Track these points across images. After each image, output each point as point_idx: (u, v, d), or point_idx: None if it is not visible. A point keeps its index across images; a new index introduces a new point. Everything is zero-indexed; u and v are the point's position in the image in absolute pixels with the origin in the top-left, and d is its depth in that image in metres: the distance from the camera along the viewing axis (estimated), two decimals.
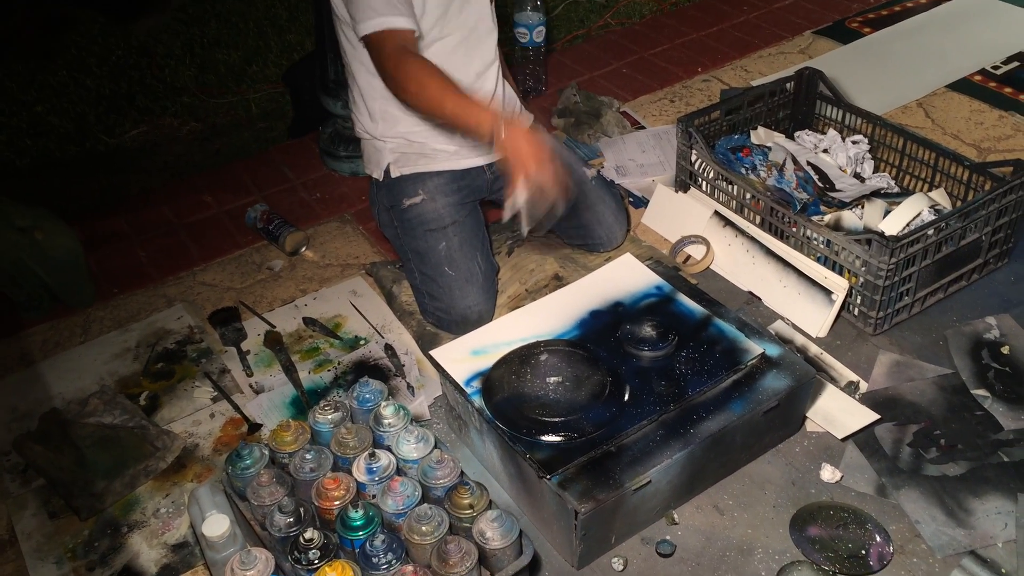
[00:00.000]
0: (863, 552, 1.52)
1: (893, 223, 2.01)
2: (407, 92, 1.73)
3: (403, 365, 1.99)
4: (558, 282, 2.14)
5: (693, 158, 2.24)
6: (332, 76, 2.58)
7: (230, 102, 3.14)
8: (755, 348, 1.68)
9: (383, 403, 1.57)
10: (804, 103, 2.43)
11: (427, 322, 2.08)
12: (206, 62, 3.36)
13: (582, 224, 2.18)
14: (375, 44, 1.74)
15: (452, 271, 1.99)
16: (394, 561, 1.33)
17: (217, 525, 1.39)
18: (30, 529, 1.70)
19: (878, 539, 1.54)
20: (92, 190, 2.74)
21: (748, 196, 2.12)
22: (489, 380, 1.65)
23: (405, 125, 2.01)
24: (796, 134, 2.41)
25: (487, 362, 1.68)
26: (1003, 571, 1.49)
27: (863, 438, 1.73)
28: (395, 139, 2.04)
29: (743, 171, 2.22)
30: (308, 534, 1.34)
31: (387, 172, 2.06)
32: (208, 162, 2.84)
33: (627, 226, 2.26)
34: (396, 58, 1.71)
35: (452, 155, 2.06)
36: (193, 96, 3.18)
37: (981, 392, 1.80)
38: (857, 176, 2.28)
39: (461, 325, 1.97)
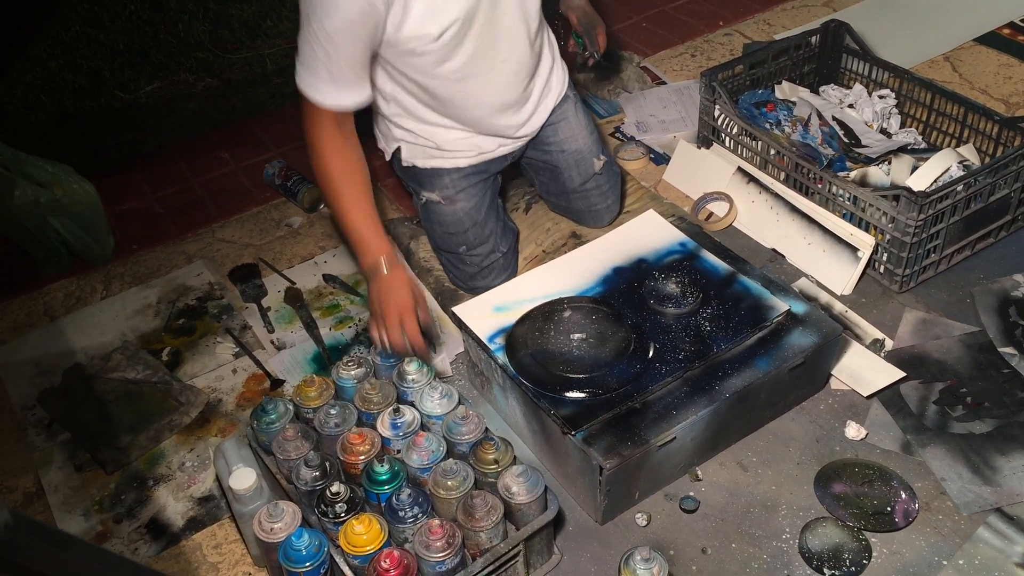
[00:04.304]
0: (888, 509, 1.52)
1: (921, 179, 1.97)
2: (315, 167, 1.66)
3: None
4: (576, 240, 2.12)
5: (716, 113, 2.21)
6: None
7: (245, 58, 3.10)
8: (781, 305, 1.66)
9: (406, 359, 1.57)
10: (829, 57, 2.39)
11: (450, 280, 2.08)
12: (220, 17, 3.32)
13: (572, 209, 2.13)
14: (306, 104, 1.61)
15: (470, 261, 1.97)
16: (420, 515, 1.34)
17: (244, 478, 1.39)
18: (57, 482, 1.72)
19: (903, 496, 1.53)
20: (108, 146, 2.72)
21: (772, 152, 2.08)
22: (512, 336, 1.64)
23: (416, 123, 1.86)
24: (821, 89, 2.37)
25: (510, 319, 1.68)
26: None
27: (888, 396, 1.72)
28: (404, 130, 1.89)
29: (767, 126, 2.19)
30: (334, 488, 1.35)
31: (397, 155, 1.94)
32: (224, 118, 2.82)
33: (619, 209, 2.16)
34: (319, 134, 1.62)
35: (468, 154, 1.91)
36: (208, 52, 3.14)
37: (1008, 350, 1.78)
38: (883, 131, 2.24)
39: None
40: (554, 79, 1.98)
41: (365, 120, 1.87)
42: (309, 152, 1.66)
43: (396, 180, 2.42)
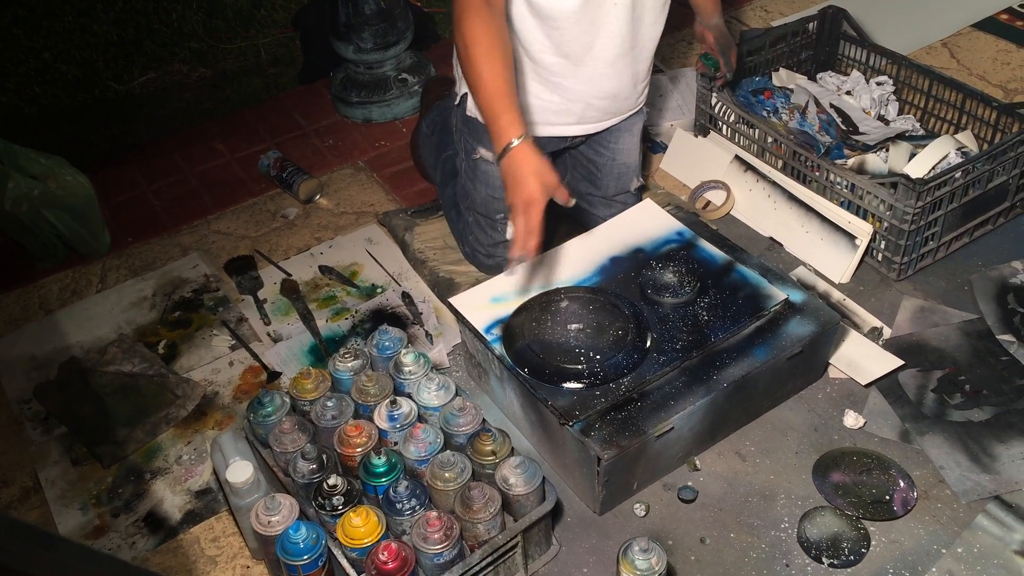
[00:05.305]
0: (887, 497, 1.51)
1: (919, 166, 1.97)
2: (457, 48, 1.59)
3: (421, 313, 1.98)
4: (581, 229, 2.11)
5: (713, 101, 2.19)
6: (343, 20, 2.52)
7: (239, 47, 3.09)
8: (778, 294, 1.65)
9: (403, 351, 1.56)
10: (827, 43, 2.37)
11: (460, 249, 2.06)
12: (213, 6, 3.29)
13: (589, 214, 2.08)
14: None
15: (502, 228, 1.95)
16: (417, 507, 1.34)
17: (241, 471, 1.39)
18: (54, 476, 1.72)
19: (902, 484, 1.53)
20: (103, 138, 2.71)
21: (770, 140, 2.07)
22: (509, 327, 1.63)
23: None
24: (819, 76, 2.36)
25: (507, 309, 1.67)
26: None
27: (887, 384, 1.71)
28: None
29: (765, 114, 2.17)
30: (332, 480, 1.35)
31: (464, 100, 1.85)
32: (218, 109, 2.80)
33: None
34: (468, 9, 1.55)
35: (533, 121, 1.82)
36: (201, 41, 3.13)
37: (1007, 337, 1.77)
38: (881, 118, 2.23)
39: (492, 270, 1.95)
40: (645, 84, 1.95)
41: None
42: (454, 25, 1.57)
43: (398, 168, 2.42)
